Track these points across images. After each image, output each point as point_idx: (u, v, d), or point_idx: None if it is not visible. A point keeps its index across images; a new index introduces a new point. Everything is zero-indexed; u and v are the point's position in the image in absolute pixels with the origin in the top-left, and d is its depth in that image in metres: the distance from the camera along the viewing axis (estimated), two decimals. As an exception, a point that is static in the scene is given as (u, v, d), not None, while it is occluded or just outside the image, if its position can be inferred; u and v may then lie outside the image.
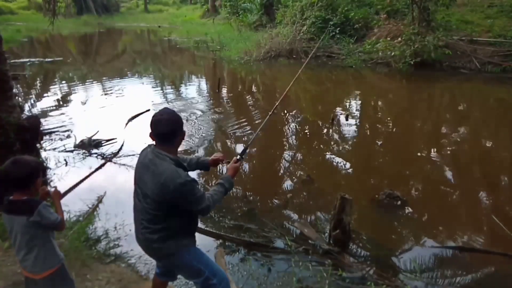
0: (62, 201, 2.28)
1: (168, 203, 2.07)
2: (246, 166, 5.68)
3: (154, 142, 2.18)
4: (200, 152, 6.14)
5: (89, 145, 6.15)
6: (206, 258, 2.40)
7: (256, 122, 7.87)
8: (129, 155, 5.79)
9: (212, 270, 2.34)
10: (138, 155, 2.28)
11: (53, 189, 2.23)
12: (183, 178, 2.04)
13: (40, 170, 2.07)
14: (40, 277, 2.08)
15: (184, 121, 7.31)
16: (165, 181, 2.01)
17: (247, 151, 2.69)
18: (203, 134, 7.00)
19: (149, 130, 2.13)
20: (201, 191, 2.14)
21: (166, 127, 2.09)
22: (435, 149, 6.69)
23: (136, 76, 13.73)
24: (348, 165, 5.88)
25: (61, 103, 9.32)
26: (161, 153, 2.09)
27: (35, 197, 2.07)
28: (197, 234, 3.78)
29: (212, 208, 2.24)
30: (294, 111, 8.71)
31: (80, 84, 11.72)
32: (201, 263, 2.32)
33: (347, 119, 7.95)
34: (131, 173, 2.38)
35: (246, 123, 7.69)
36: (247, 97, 10.94)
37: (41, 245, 2.05)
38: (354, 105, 10.00)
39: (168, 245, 2.18)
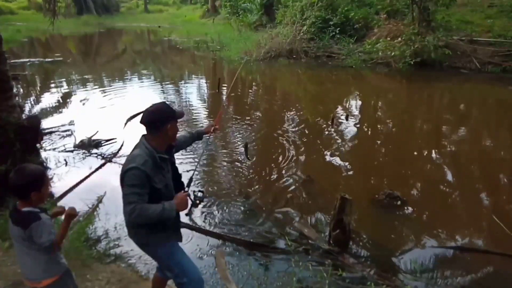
0: (62, 201, 2.27)
1: None
2: (246, 166, 5.68)
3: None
4: (199, 153, 6.12)
5: (89, 145, 6.15)
6: (180, 256, 2.34)
7: (256, 122, 7.87)
8: (129, 155, 5.78)
9: (182, 268, 2.30)
10: None
11: (69, 208, 2.11)
12: (135, 164, 2.06)
13: (40, 181, 1.98)
14: (40, 285, 2.04)
15: (184, 121, 7.41)
16: (124, 164, 2.16)
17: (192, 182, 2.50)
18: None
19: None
20: (137, 195, 2.04)
21: (147, 117, 2.20)
22: (435, 149, 6.69)
23: (136, 76, 13.72)
24: (348, 165, 5.88)
25: (61, 103, 9.32)
26: (142, 141, 2.21)
27: (41, 205, 2.04)
28: (197, 234, 3.89)
29: (135, 218, 2.03)
30: (294, 111, 8.71)
31: (80, 84, 11.72)
32: (171, 260, 2.30)
33: (347, 119, 7.95)
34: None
35: (246, 123, 7.69)
36: (247, 97, 10.93)
37: (38, 255, 2.00)
38: (354, 105, 10.00)
39: (140, 234, 2.24)
